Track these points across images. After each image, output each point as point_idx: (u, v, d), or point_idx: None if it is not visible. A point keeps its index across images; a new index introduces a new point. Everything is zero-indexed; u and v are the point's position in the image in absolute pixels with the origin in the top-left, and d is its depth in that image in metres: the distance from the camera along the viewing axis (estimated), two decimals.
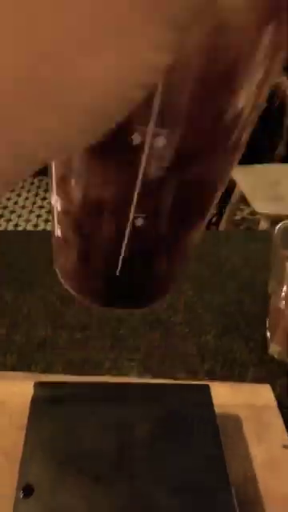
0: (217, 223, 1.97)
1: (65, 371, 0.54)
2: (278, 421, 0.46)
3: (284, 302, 0.54)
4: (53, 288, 0.65)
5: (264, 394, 0.48)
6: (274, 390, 0.50)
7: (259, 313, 0.64)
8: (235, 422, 0.45)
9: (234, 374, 0.55)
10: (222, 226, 1.92)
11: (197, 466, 0.38)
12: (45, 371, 0.53)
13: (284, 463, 0.42)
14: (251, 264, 0.74)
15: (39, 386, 0.45)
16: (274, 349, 0.57)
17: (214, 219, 2.00)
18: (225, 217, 1.91)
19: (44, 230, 2.48)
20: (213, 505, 0.36)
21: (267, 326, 0.59)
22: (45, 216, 2.73)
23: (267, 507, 0.38)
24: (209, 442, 0.40)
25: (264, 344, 0.59)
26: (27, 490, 0.36)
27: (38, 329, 0.60)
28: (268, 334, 0.58)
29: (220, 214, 1.95)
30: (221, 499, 0.36)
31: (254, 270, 0.72)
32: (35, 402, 0.43)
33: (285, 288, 0.54)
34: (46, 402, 0.43)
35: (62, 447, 0.40)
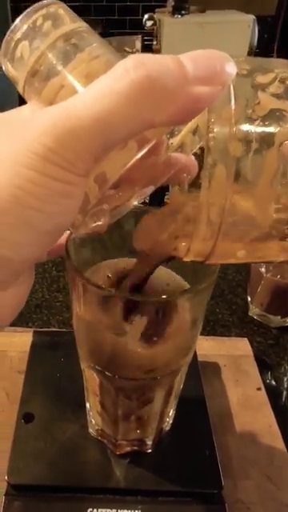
0: None
1: (60, 328, 0.58)
2: (254, 369, 0.50)
3: (264, 265, 0.59)
4: None
5: (242, 347, 0.53)
6: (252, 346, 0.55)
7: (242, 281, 0.69)
8: (215, 368, 0.50)
9: (216, 333, 0.60)
10: None
11: (180, 403, 0.43)
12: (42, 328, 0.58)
13: (257, 402, 0.47)
14: None
15: (37, 334, 0.49)
16: (254, 310, 0.61)
17: None
18: None
19: None
20: (192, 433, 0.41)
21: (248, 290, 0.64)
22: None
23: (240, 435, 0.43)
24: (191, 384, 0.45)
25: (245, 308, 0.64)
26: (28, 417, 0.41)
27: (36, 293, 0.64)
28: (249, 298, 0.63)
29: None
30: (199, 429, 0.41)
31: None
32: (34, 347, 0.48)
33: None
34: (43, 347, 0.48)
35: (58, 384, 0.44)
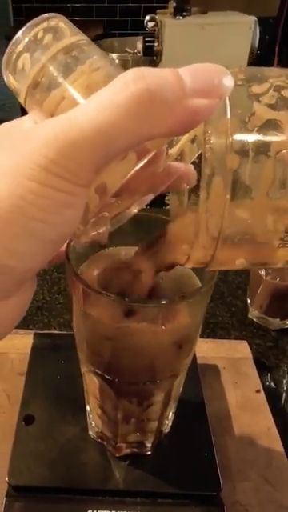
0: None
1: (61, 330, 0.59)
2: (253, 371, 0.51)
3: (264, 268, 0.59)
4: None
5: (241, 349, 0.54)
6: (251, 348, 0.56)
7: (242, 284, 0.69)
8: (214, 370, 0.50)
9: (216, 335, 0.60)
10: None
11: (179, 406, 0.43)
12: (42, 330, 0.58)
13: (256, 404, 0.47)
14: None
15: (38, 336, 0.50)
16: (253, 313, 0.62)
17: None
18: None
19: None
20: (191, 435, 0.41)
21: (248, 293, 0.64)
22: None
23: (239, 437, 0.43)
24: (190, 386, 0.45)
25: (245, 310, 0.64)
26: (28, 419, 0.41)
27: (37, 295, 0.65)
28: (248, 300, 0.63)
29: None
30: (199, 431, 0.41)
31: None
32: (35, 349, 0.48)
33: None
34: (44, 349, 0.48)
35: (59, 387, 0.45)
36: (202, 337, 0.59)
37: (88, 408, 0.39)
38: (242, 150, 0.19)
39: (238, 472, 0.41)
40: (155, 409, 0.36)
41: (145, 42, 1.41)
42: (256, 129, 0.20)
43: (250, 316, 0.62)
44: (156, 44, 1.46)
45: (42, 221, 0.18)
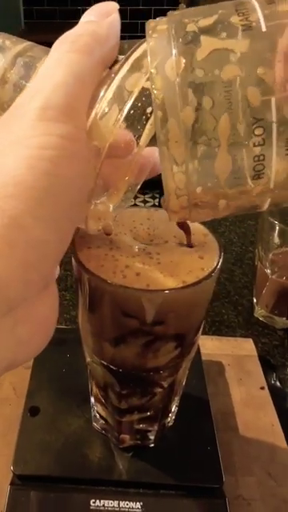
0: None
1: (67, 326, 0.59)
2: (258, 368, 0.51)
3: (270, 267, 0.60)
4: None
5: (246, 347, 0.54)
6: (256, 347, 0.56)
7: (248, 283, 0.69)
8: (219, 367, 0.50)
9: (221, 334, 0.60)
10: None
11: (183, 400, 0.44)
12: None
13: (260, 401, 0.47)
14: (244, 240, 0.79)
15: None
16: (259, 312, 0.62)
17: None
18: None
19: None
20: (195, 429, 0.41)
21: (254, 292, 0.64)
22: None
23: (243, 433, 0.43)
24: (194, 382, 0.45)
25: (251, 309, 0.64)
26: (33, 411, 0.42)
27: None
28: (254, 299, 0.63)
29: None
30: (202, 425, 0.41)
31: (246, 246, 0.78)
32: None
33: (271, 255, 0.60)
34: (50, 343, 0.48)
35: (64, 379, 0.45)
36: (207, 334, 0.59)
37: (92, 399, 0.40)
38: (192, 85, 0.20)
39: (242, 467, 0.41)
40: (158, 401, 0.36)
41: None
42: (203, 60, 0.20)
43: (255, 315, 0.62)
44: None
45: (56, 175, 0.19)
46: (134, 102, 0.22)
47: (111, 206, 0.25)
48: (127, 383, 0.34)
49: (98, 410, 0.40)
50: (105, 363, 0.33)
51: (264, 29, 0.20)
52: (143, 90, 0.22)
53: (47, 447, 0.38)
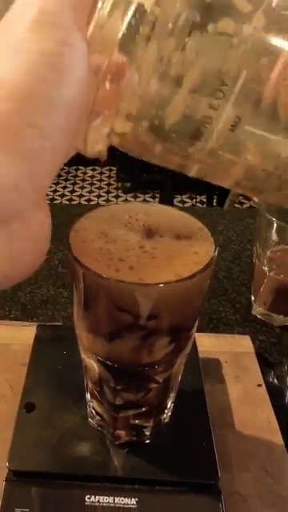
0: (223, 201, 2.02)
1: (64, 323, 0.59)
2: (255, 365, 0.51)
3: (268, 264, 0.59)
4: (55, 254, 0.70)
5: (244, 344, 0.54)
6: (254, 345, 0.55)
7: (246, 280, 0.69)
8: (216, 364, 0.50)
9: (219, 331, 0.60)
10: (227, 203, 1.95)
11: (179, 396, 0.44)
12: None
13: (257, 398, 0.47)
14: (242, 238, 0.79)
15: (41, 327, 0.50)
16: (257, 309, 0.62)
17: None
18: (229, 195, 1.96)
19: (52, 198, 2.56)
20: (191, 425, 0.41)
21: (252, 290, 0.64)
22: (52, 187, 2.75)
23: (239, 429, 0.43)
24: (190, 378, 0.45)
25: (249, 307, 0.64)
26: (29, 407, 0.41)
27: (42, 288, 0.65)
28: (252, 297, 0.63)
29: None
30: (198, 421, 0.41)
31: (244, 243, 0.78)
32: (37, 340, 0.48)
33: (269, 253, 0.60)
34: (47, 340, 0.49)
35: (60, 376, 0.45)
36: (204, 331, 0.59)
37: (88, 395, 0.40)
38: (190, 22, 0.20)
39: (238, 463, 0.41)
40: (154, 396, 0.36)
41: None
42: None
43: (253, 312, 0.62)
44: None
45: (54, 83, 0.19)
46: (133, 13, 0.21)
47: (106, 129, 0.24)
48: (122, 378, 0.34)
49: (93, 406, 0.39)
50: (100, 358, 0.33)
51: None
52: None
53: (43, 443, 0.38)
